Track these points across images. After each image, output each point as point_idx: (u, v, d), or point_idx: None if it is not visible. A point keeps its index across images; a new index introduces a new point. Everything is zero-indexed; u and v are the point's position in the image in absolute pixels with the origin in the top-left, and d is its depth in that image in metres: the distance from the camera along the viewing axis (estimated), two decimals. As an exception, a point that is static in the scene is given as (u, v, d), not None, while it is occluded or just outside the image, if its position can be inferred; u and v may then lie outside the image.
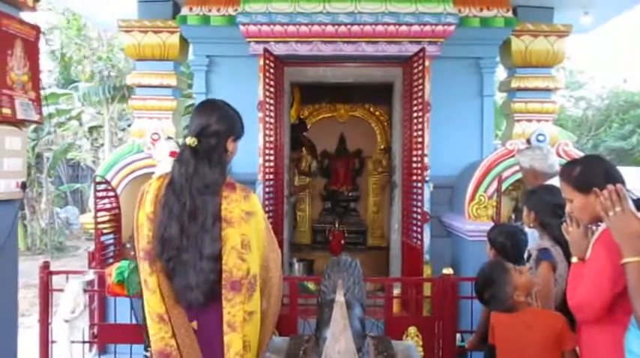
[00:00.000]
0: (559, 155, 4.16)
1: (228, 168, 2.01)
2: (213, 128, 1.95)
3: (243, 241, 1.87)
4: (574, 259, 1.98)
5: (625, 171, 2.12)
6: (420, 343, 3.41)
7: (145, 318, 2.04)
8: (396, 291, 4.03)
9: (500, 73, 6.03)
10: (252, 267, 1.89)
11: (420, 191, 4.13)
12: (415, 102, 4.23)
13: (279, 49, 4.34)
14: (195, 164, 1.90)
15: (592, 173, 1.88)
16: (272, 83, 4.27)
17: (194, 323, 1.93)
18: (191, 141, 1.94)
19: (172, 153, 3.41)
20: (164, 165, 3.45)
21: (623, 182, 1.86)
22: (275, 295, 2.04)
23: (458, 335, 3.46)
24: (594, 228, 1.93)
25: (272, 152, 4.30)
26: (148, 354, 3.01)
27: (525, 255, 2.68)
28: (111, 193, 4.19)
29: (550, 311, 2.31)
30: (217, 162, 1.93)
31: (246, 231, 1.89)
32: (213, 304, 1.87)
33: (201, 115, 1.99)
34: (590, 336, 1.88)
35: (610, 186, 1.71)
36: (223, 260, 1.86)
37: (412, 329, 3.45)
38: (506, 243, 2.75)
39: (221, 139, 1.97)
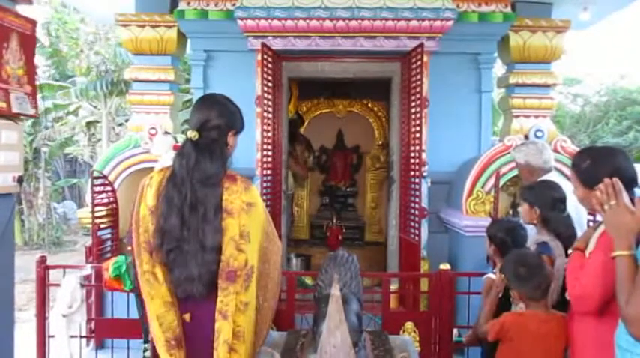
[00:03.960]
0: (557, 151, 4.17)
1: (229, 162, 2.02)
2: (214, 122, 1.98)
3: (242, 232, 1.88)
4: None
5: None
6: (417, 338, 3.42)
7: (144, 313, 2.04)
8: (394, 286, 4.04)
9: (499, 68, 6.02)
10: (250, 257, 1.89)
11: (417, 186, 4.13)
12: (413, 97, 4.22)
13: (277, 44, 4.32)
14: (197, 157, 1.92)
15: (599, 169, 1.85)
16: (270, 78, 4.26)
17: (186, 315, 1.93)
18: (192, 134, 1.96)
19: (176, 147, 3.42)
20: (165, 159, 3.45)
21: (635, 179, 1.86)
22: (273, 289, 2.04)
23: (455, 330, 3.47)
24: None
25: (270, 147, 4.29)
26: (147, 352, 3.03)
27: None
28: (108, 188, 4.18)
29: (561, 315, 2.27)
30: (218, 155, 1.94)
31: (246, 222, 1.90)
32: (211, 296, 1.88)
33: (202, 110, 2.02)
34: (585, 326, 1.89)
35: (606, 180, 1.72)
36: (222, 250, 1.87)
37: (409, 324, 3.45)
38: (507, 239, 2.73)
39: (222, 133, 1.99)
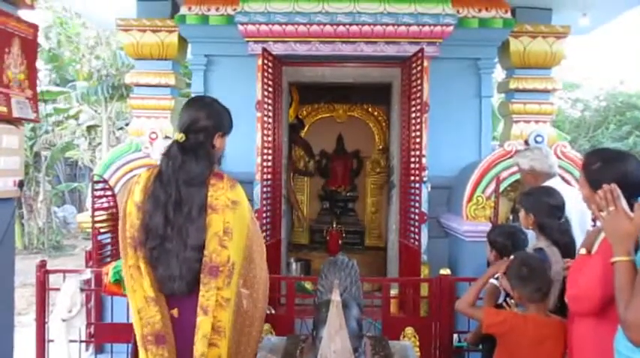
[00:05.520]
0: (557, 156, 4.16)
1: (219, 163, 2.03)
2: (202, 124, 1.99)
3: (226, 228, 1.89)
4: (582, 251, 1.97)
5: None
6: (417, 343, 3.41)
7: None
8: (394, 292, 4.03)
9: (499, 73, 6.04)
10: (233, 254, 1.90)
11: (417, 191, 4.13)
12: (413, 102, 4.23)
13: (278, 49, 4.34)
14: (183, 159, 1.94)
15: (607, 174, 1.84)
16: (270, 83, 4.27)
17: (174, 311, 1.95)
18: (179, 136, 1.98)
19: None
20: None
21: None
22: (261, 290, 2.03)
23: (455, 336, 3.46)
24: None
25: (270, 152, 4.29)
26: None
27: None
28: (108, 192, 4.18)
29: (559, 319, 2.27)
30: (203, 157, 1.96)
31: (230, 219, 1.91)
32: (195, 292, 1.89)
33: (189, 111, 2.03)
34: (585, 330, 1.88)
35: (605, 186, 1.71)
36: (205, 245, 1.88)
37: (409, 330, 3.44)
38: (507, 244, 2.73)
39: (209, 135, 2.01)
